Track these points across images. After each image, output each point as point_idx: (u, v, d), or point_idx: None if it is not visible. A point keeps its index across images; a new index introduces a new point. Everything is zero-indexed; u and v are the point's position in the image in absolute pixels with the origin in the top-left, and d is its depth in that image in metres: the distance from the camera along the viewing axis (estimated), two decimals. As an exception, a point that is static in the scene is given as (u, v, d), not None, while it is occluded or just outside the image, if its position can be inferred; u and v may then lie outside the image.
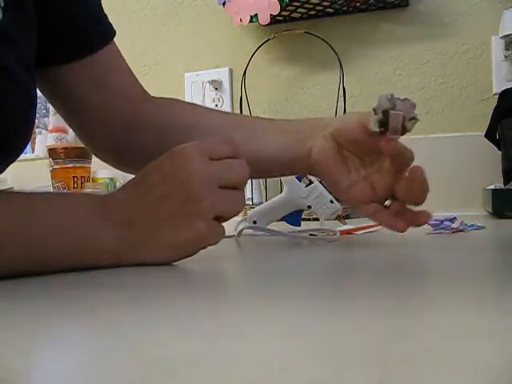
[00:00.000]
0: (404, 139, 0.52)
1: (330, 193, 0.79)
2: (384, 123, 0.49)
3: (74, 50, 0.60)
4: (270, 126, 0.63)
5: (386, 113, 0.48)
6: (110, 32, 0.63)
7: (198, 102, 1.48)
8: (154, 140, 0.64)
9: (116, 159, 0.69)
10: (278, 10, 1.29)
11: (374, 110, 0.49)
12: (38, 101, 1.69)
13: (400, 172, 0.54)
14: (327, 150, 0.57)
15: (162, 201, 0.43)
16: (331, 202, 0.73)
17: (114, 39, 0.63)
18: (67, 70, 0.60)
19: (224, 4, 1.36)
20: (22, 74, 0.50)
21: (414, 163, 0.55)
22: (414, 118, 0.49)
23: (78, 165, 1.41)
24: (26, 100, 0.52)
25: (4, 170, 0.56)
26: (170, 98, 0.68)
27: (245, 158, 0.46)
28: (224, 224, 0.45)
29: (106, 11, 0.63)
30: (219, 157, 0.44)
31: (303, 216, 0.77)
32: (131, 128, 0.64)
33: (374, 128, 0.49)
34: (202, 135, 0.61)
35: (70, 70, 0.60)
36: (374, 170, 0.56)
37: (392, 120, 0.48)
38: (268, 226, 0.72)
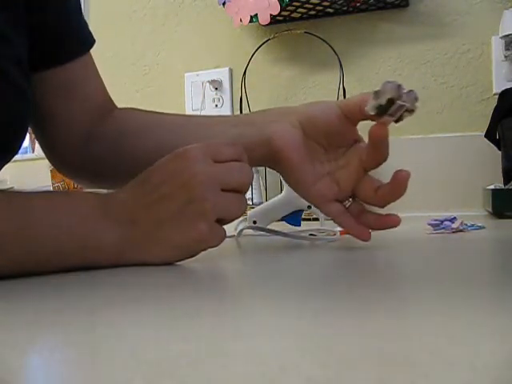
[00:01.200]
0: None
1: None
2: (383, 109, 0.47)
3: (43, 60, 0.58)
4: (225, 120, 0.59)
5: (390, 101, 0.47)
6: (84, 44, 0.62)
7: (197, 102, 1.49)
8: (105, 149, 0.62)
9: (73, 172, 0.67)
10: (278, 10, 1.29)
11: (376, 93, 0.47)
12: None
13: (367, 170, 0.52)
14: (292, 137, 0.53)
15: (165, 201, 0.43)
16: (331, 201, 0.73)
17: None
18: (35, 77, 0.58)
19: (224, 4, 1.36)
20: (17, 75, 0.50)
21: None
22: (412, 111, 0.49)
23: (77, 165, 1.41)
24: (21, 100, 0.52)
25: (0, 169, 0.56)
26: (130, 108, 0.65)
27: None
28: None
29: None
30: (223, 159, 0.44)
31: (303, 216, 0.77)
32: (88, 140, 0.63)
33: (371, 111, 0.48)
34: (151, 137, 0.59)
35: (37, 78, 0.58)
36: (339, 165, 0.54)
37: (394, 109, 0.47)
38: (268, 226, 0.72)
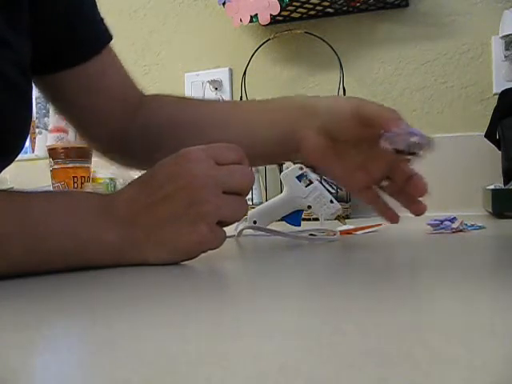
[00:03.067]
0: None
1: (331, 193, 0.79)
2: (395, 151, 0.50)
3: (67, 59, 0.59)
4: (258, 119, 0.62)
5: (398, 151, 0.49)
6: (104, 38, 0.63)
7: (197, 102, 1.49)
8: (143, 146, 0.65)
9: (117, 160, 0.70)
10: (278, 10, 1.29)
11: (386, 138, 0.49)
12: (38, 101, 1.70)
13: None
14: (316, 145, 0.56)
15: (166, 202, 0.43)
16: (331, 201, 0.73)
17: (114, 39, 0.63)
18: (61, 76, 0.60)
19: (224, 4, 1.36)
20: (17, 77, 0.50)
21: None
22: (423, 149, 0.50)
23: (77, 165, 1.41)
24: (22, 102, 0.52)
25: (1, 170, 0.56)
26: (162, 97, 0.67)
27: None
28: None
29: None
30: (225, 162, 0.44)
31: (303, 216, 0.77)
32: (126, 133, 0.65)
33: (385, 146, 0.49)
34: (186, 136, 0.62)
35: (64, 77, 0.60)
36: (371, 155, 0.56)
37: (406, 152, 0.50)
38: (268, 226, 0.72)
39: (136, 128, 0.65)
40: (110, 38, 0.63)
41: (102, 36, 0.63)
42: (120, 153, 0.68)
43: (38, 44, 0.56)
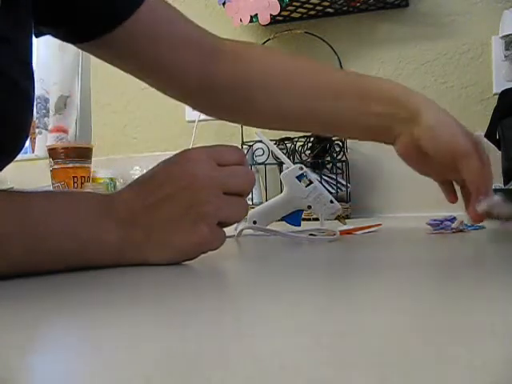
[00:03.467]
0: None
1: (331, 193, 0.79)
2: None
3: (118, 13, 0.59)
4: (360, 107, 0.63)
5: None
6: None
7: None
8: (230, 100, 0.66)
9: (194, 106, 0.71)
10: (278, 10, 1.29)
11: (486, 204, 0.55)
12: (38, 101, 1.70)
13: None
14: (410, 149, 0.61)
15: (167, 202, 0.43)
16: (331, 202, 0.73)
17: None
18: (121, 32, 0.59)
19: (224, 4, 1.36)
20: (19, 76, 0.51)
21: None
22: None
23: (77, 165, 1.42)
24: (23, 102, 0.52)
25: (1, 170, 0.56)
26: (247, 47, 0.68)
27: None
28: (224, 226, 0.45)
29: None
30: (226, 163, 0.44)
31: (303, 216, 0.77)
32: (205, 84, 0.65)
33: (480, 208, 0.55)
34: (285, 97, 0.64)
35: (123, 31, 0.59)
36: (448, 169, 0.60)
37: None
38: (268, 226, 0.72)
39: (224, 77, 0.65)
40: None
41: None
42: (207, 102, 0.68)
43: (88, 9, 0.56)
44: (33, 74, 0.54)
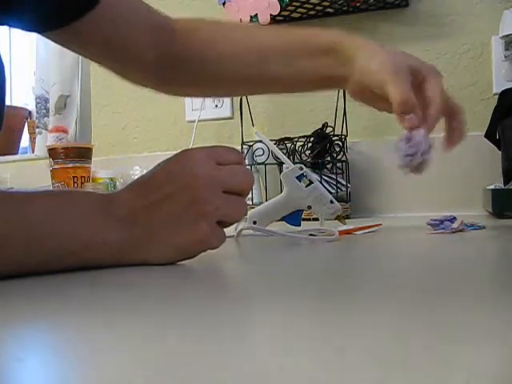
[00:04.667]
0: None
1: (331, 193, 0.79)
2: None
3: (82, 5, 0.60)
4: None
5: None
6: None
7: (197, 102, 1.48)
8: (185, 74, 0.69)
9: (153, 86, 0.72)
10: (278, 10, 1.29)
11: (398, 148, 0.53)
12: (38, 101, 1.69)
13: None
14: (358, 90, 0.64)
15: (167, 201, 0.43)
16: (331, 202, 0.73)
17: None
18: (87, 18, 0.60)
19: (224, 4, 1.36)
20: None
21: None
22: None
23: (78, 165, 1.42)
24: None
25: None
26: (198, 22, 0.72)
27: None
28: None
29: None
30: (226, 163, 0.44)
31: (303, 216, 0.77)
32: (163, 63, 0.68)
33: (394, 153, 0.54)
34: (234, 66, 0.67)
35: (89, 18, 0.60)
36: None
37: None
38: (268, 226, 0.72)
39: (179, 53, 0.68)
40: None
41: None
42: (165, 80, 0.70)
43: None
44: (2, 67, 0.54)
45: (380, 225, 0.76)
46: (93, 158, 1.50)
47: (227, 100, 1.48)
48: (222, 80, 0.70)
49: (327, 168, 1.28)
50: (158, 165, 0.45)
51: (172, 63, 0.68)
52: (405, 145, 0.53)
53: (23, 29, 0.61)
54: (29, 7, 0.57)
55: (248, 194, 0.46)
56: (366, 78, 0.60)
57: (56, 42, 0.64)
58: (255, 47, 0.68)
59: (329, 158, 1.27)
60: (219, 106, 1.49)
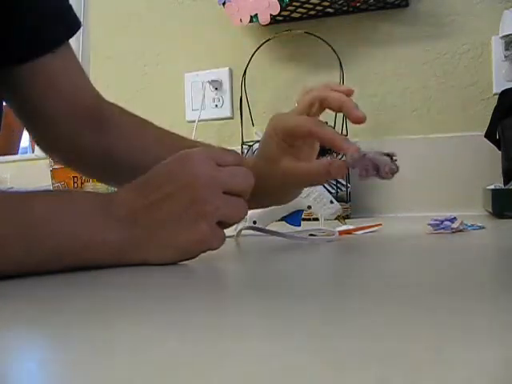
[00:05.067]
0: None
1: (331, 193, 0.79)
2: None
3: (20, 53, 0.58)
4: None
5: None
6: (64, 32, 0.61)
7: (197, 102, 1.48)
8: (92, 164, 0.67)
9: (57, 160, 0.72)
10: (278, 10, 1.29)
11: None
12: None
13: None
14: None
15: (167, 201, 0.43)
16: (331, 202, 0.73)
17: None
18: (15, 72, 0.58)
19: (224, 4, 1.36)
20: None
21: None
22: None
23: (78, 165, 1.41)
24: None
25: None
26: (124, 120, 0.68)
27: None
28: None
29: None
30: (226, 164, 0.44)
31: (303, 216, 0.77)
32: (75, 148, 0.65)
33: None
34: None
35: (18, 73, 0.58)
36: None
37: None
38: (268, 226, 0.72)
39: (93, 145, 0.64)
40: (72, 31, 0.62)
41: (62, 29, 0.61)
42: (70, 160, 0.68)
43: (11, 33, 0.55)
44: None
45: (380, 225, 0.76)
46: (93, 158, 1.49)
47: (227, 100, 1.48)
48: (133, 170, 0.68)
49: (327, 168, 1.28)
50: (159, 165, 0.45)
51: (83, 152, 0.65)
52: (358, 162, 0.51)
53: None
54: None
55: (248, 194, 0.46)
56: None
57: None
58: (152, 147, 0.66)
59: (329, 158, 1.27)
60: (219, 105, 1.49)
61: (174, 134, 0.68)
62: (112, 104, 0.67)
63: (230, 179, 0.44)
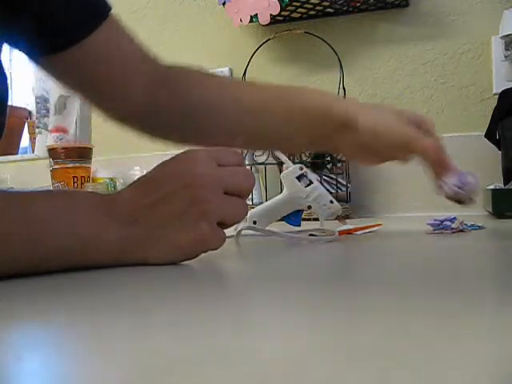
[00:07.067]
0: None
1: (331, 193, 0.79)
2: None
3: (70, 36, 0.59)
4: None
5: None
6: (103, 9, 0.62)
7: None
8: (168, 123, 0.67)
9: (131, 127, 0.70)
10: (278, 10, 1.29)
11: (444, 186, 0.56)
12: (38, 101, 1.70)
13: None
14: (356, 152, 0.63)
15: (168, 201, 0.43)
16: (331, 202, 0.73)
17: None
18: (70, 53, 0.59)
19: (224, 4, 1.36)
20: None
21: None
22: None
23: (77, 165, 1.42)
24: None
25: None
26: (187, 73, 0.68)
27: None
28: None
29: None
30: (227, 164, 0.44)
31: (303, 216, 0.77)
32: (148, 109, 0.66)
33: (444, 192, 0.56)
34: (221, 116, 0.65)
35: (71, 53, 0.60)
36: None
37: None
38: (268, 226, 0.72)
39: (162, 104, 0.66)
40: (109, 8, 0.62)
41: (100, 7, 0.62)
42: (144, 125, 0.69)
43: (40, 23, 0.56)
44: (4, 73, 0.54)
45: (380, 225, 0.76)
46: (93, 158, 1.50)
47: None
48: (212, 134, 0.68)
49: (327, 168, 1.28)
50: (159, 165, 0.45)
51: (156, 111, 0.67)
52: (454, 179, 0.55)
53: (21, 51, 0.60)
54: (24, 30, 0.56)
55: (248, 195, 0.47)
56: (375, 142, 0.60)
57: (39, 67, 0.62)
58: (250, 108, 0.65)
59: (329, 158, 1.27)
60: (219, 105, 1.49)
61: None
62: (169, 64, 0.68)
63: (231, 179, 0.44)
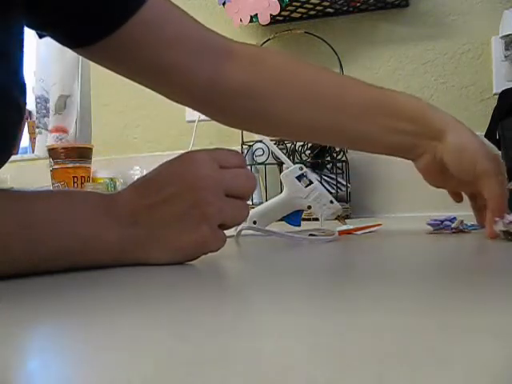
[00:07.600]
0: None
1: (331, 193, 0.79)
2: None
3: (117, 15, 0.57)
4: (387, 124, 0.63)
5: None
6: None
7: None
8: (242, 108, 0.65)
9: (201, 111, 0.69)
10: (278, 10, 1.30)
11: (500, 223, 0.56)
12: (38, 101, 1.70)
13: None
14: (431, 166, 0.63)
15: (169, 202, 0.43)
16: (331, 202, 0.73)
17: None
18: (121, 34, 0.57)
19: (224, 4, 1.36)
20: (12, 88, 0.49)
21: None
22: None
23: (77, 165, 1.42)
24: (15, 115, 0.50)
25: None
26: (263, 52, 0.68)
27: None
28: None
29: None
30: (229, 166, 0.44)
31: (303, 216, 0.77)
32: (215, 90, 0.63)
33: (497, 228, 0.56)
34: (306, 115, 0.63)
35: (123, 33, 0.57)
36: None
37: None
38: (268, 226, 0.72)
39: (236, 84, 0.63)
40: None
41: None
42: (215, 108, 0.67)
43: (88, 11, 0.55)
44: (24, 86, 0.53)
45: (380, 225, 0.76)
46: (93, 158, 1.50)
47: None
48: (282, 123, 0.65)
49: (327, 168, 1.28)
50: (161, 166, 0.45)
51: (226, 94, 0.63)
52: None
53: (60, 43, 0.59)
54: (68, 19, 0.55)
55: (250, 197, 0.47)
56: (455, 163, 0.60)
57: (89, 58, 0.61)
58: (330, 99, 0.63)
59: (329, 158, 1.27)
60: (219, 106, 1.49)
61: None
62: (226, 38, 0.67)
63: (233, 182, 0.44)
